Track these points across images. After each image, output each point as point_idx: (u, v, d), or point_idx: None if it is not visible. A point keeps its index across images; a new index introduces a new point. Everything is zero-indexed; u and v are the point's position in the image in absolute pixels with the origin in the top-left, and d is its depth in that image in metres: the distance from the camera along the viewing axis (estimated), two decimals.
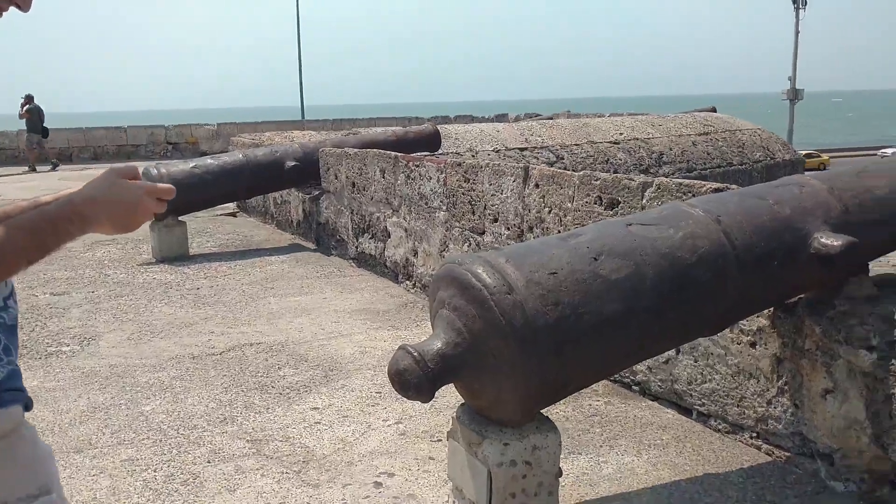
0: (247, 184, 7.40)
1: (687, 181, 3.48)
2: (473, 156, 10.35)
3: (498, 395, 2.24)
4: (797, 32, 39.98)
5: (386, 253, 6.16)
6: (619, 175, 3.82)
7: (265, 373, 3.98)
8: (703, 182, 3.42)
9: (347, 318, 4.97)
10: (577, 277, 2.27)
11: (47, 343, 4.53)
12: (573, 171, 4.25)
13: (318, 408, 3.51)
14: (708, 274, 2.45)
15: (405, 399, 3.54)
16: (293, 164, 7.27)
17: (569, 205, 4.07)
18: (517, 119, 19.47)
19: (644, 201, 3.62)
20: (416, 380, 2.19)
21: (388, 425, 3.31)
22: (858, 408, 2.71)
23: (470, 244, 5.00)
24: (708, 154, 13.82)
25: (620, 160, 12.51)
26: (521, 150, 11.61)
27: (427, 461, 2.98)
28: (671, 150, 13.31)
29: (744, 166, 14.08)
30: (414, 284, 5.74)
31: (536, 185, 4.33)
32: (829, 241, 2.61)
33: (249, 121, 23.05)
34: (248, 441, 3.19)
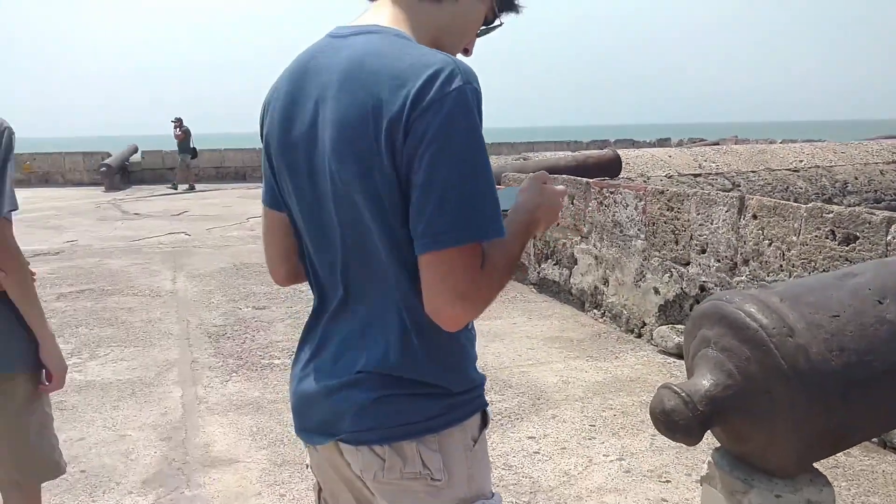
0: None
1: None
2: (645, 181, 10.09)
3: (770, 442, 2.10)
4: None
5: (572, 280, 6.07)
6: (856, 209, 3.56)
7: None
8: None
9: (542, 345, 4.92)
10: (862, 321, 2.10)
11: (259, 355, 4.76)
12: None
13: (534, 437, 3.47)
14: None
15: (621, 435, 3.49)
16: None
17: (794, 238, 3.84)
18: (680, 144, 18.89)
19: (889, 237, 3.35)
20: (684, 421, 2.08)
21: (610, 461, 3.22)
22: None
23: (671, 275, 4.84)
24: None
25: (801, 188, 11.81)
26: (695, 176, 11.18)
27: (660, 503, 2.86)
28: (857, 178, 12.43)
29: None
30: (603, 314, 5.61)
31: (754, 216, 4.12)
32: None
33: None
34: None
